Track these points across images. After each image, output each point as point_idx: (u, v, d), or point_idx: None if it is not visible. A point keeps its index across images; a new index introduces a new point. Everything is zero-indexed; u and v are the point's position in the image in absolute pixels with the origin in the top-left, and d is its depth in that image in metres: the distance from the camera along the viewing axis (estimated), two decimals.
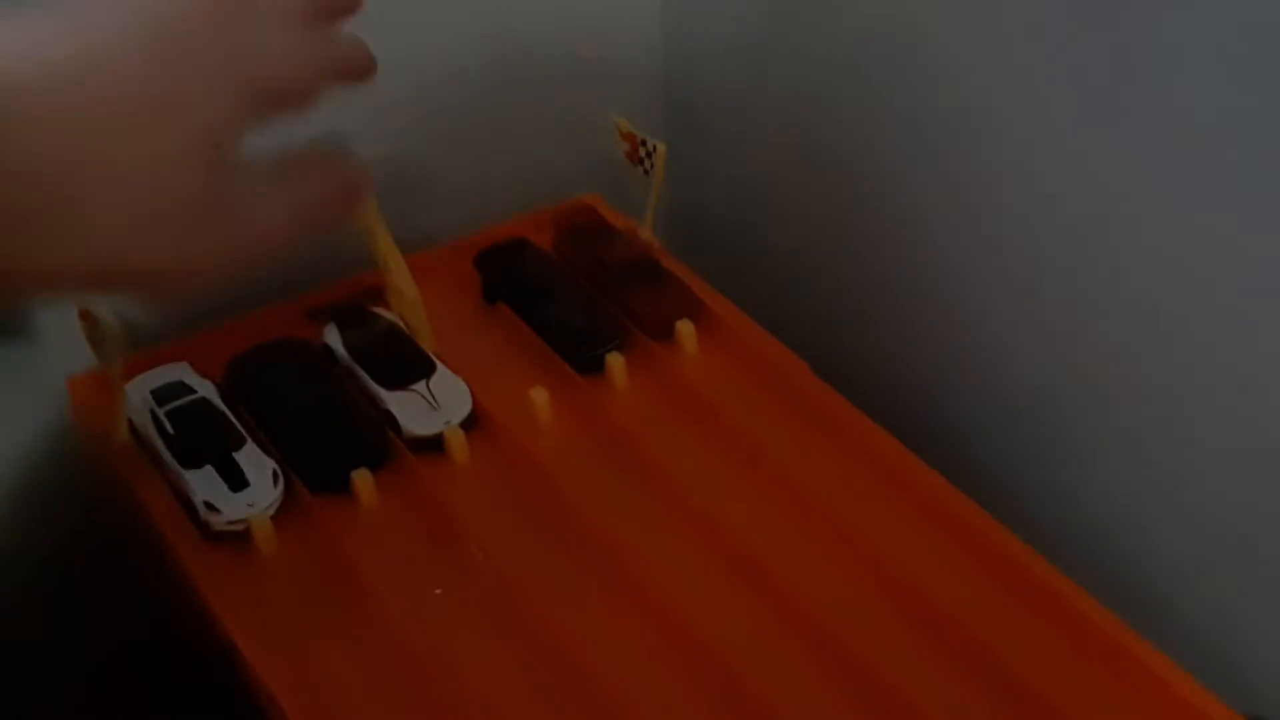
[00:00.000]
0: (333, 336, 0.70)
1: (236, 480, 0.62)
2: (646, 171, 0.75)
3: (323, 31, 0.44)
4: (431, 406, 0.67)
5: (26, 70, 0.36)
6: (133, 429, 0.65)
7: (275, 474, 0.63)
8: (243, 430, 0.64)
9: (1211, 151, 0.59)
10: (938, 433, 0.73)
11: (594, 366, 0.71)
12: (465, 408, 0.67)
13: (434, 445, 0.66)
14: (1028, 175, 0.68)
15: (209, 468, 0.62)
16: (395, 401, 0.67)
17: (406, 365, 0.68)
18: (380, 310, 0.72)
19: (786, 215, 0.85)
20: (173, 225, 0.38)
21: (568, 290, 0.74)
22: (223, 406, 0.65)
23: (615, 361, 0.70)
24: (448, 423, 0.66)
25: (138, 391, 0.65)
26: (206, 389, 0.66)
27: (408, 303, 0.70)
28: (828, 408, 0.69)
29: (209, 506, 0.61)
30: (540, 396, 0.68)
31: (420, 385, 0.68)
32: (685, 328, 0.72)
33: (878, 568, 0.61)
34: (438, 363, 0.69)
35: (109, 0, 0.38)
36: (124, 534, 0.67)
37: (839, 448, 0.67)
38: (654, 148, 0.74)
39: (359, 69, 0.46)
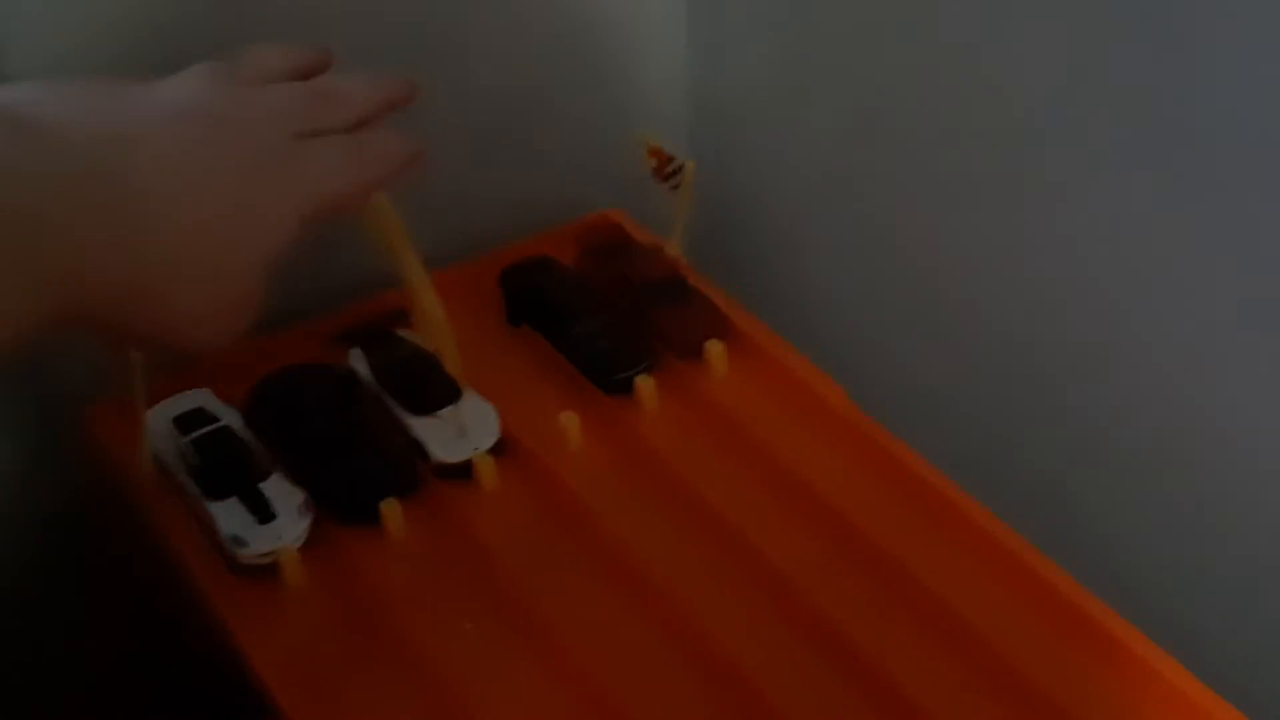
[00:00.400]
0: (359, 361, 0.69)
1: (263, 512, 0.60)
2: (674, 188, 0.74)
3: (378, 133, 0.52)
4: (460, 433, 0.65)
5: (160, 176, 0.44)
6: (156, 459, 0.63)
7: (303, 506, 0.61)
8: (268, 460, 0.63)
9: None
10: (977, 456, 0.72)
11: (623, 389, 0.70)
12: (494, 434, 0.66)
13: (462, 472, 0.65)
14: (1070, 192, 0.67)
15: (234, 499, 0.61)
16: (423, 428, 0.66)
17: (434, 390, 0.67)
18: (405, 333, 0.70)
19: (816, 232, 0.84)
20: (228, 313, 0.47)
21: (594, 310, 0.73)
22: (248, 435, 0.64)
23: (645, 384, 0.69)
24: (476, 449, 0.65)
25: (159, 420, 0.64)
26: (230, 416, 0.65)
27: (435, 325, 0.68)
28: (862, 430, 0.67)
29: (236, 540, 0.59)
30: (570, 421, 0.67)
31: (448, 411, 0.66)
32: (715, 348, 0.71)
33: (917, 595, 0.60)
34: (465, 387, 0.68)
35: (218, 120, 0.47)
36: (135, 557, 0.66)
37: (875, 472, 0.66)
38: (682, 165, 0.72)
39: (408, 164, 0.54)
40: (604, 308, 0.73)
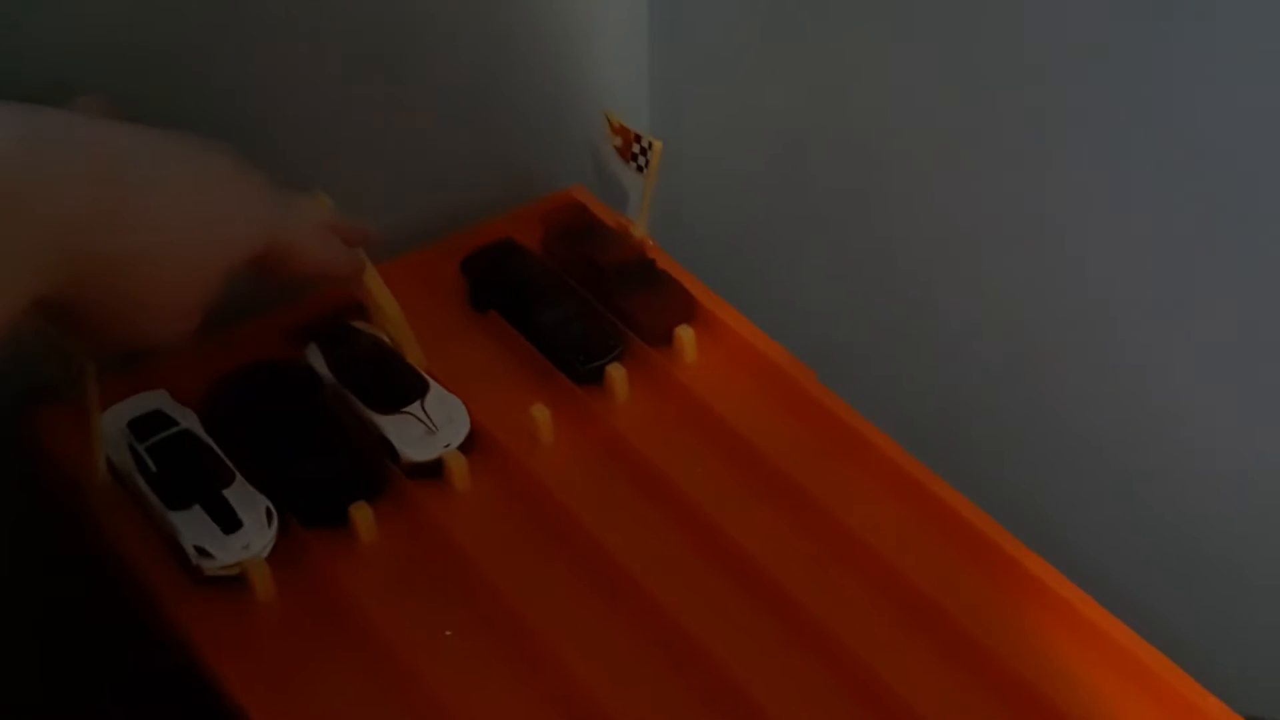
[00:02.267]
0: (315, 358, 0.66)
1: (228, 521, 0.58)
2: (640, 168, 0.72)
3: (335, 242, 0.58)
4: (429, 430, 0.63)
5: (160, 165, 0.48)
6: (111, 466, 0.61)
7: (269, 512, 0.59)
8: (231, 465, 0.60)
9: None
10: (947, 441, 0.71)
11: (593, 379, 0.68)
12: (464, 429, 0.64)
13: (432, 471, 0.63)
14: (1036, 174, 0.67)
15: (197, 508, 0.58)
16: (390, 426, 0.63)
17: (398, 385, 0.65)
18: (363, 326, 0.68)
19: (782, 209, 0.82)
20: (189, 308, 0.50)
21: (562, 296, 0.71)
22: (208, 439, 0.61)
23: (616, 373, 0.67)
24: (447, 446, 0.63)
25: (114, 424, 0.61)
26: (189, 419, 0.62)
27: (391, 319, 0.66)
28: (836, 415, 0.66)
29: (200, 551, 0.57)
30: (542, 415, 0.65)
31: (414, 406, 0.64)
32: (685, 334, 0.69)
33: (893, 581, 0.59)
34: (431, 381, 0.66)
35: (219, 152, 0.51)
36: (96, 573, 0.63)
37: (848, 457, 0.65)
38: (649, 144, 0.70)
39: (346, 275, 0.61)
40: (571, 293, 0.71)
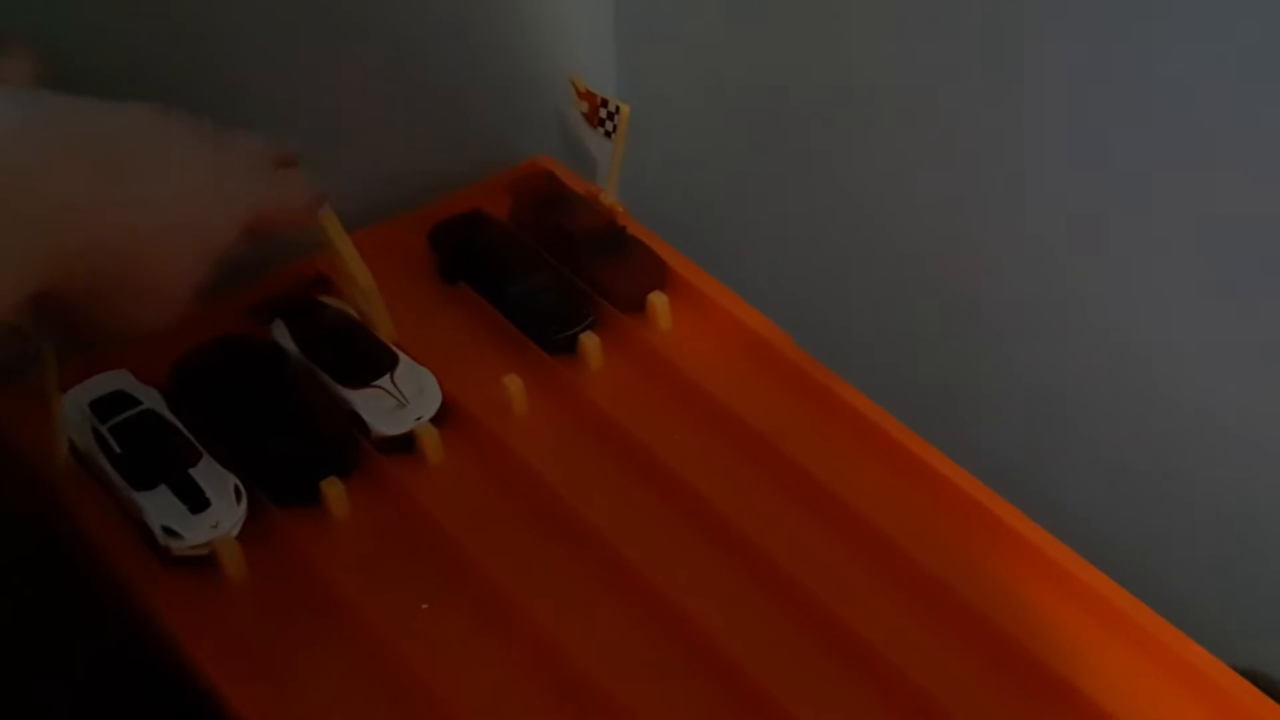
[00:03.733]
0: (281, 333, 0.65)
1: (196, 500, 0.57)
2: (608, 134, 0.71)
3: (281, 173, 0.56)
4: (399, 403, 0.62)
5: (146, 142, 0.47)
6: (73, 449, 0.59)
7: (238, 490, 0.58)
8: (197, 443, 0.59)
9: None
10: (925, 401, 0.71)
11: (566, 348, 0.67)
12: (435, 402, 0.63)
13: (404, 445, 0.62)
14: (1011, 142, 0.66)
15: (163, 488, 0.57)
16: (359, 400, 0.62)
17: (367, 359, 0.64)
18: (328, 299, 0.66)
19: (749, 174, 0.81)
20: (175, 305, 0.49)
21: (532, 266, 0.70)
22: (172, 418, 0.60)
23: (590, 342, 0.66)
24: (418, 419, 0.62)
25: (75, 405, 0.59)
26: (152, 398, 0.61)
27: (363, 290, 0.65)
28: (813, 378, 0.66)
29: (168, 532, 0.56)
30: (514, 385, 0.64)
31: (384, 380, 0.63)
32: (658, 300, 0.69)
33: (873, 540, 0.59)
34: (400, 354, 0.64)
35: (193, 123, 0.49)
36: (66, 562, 0.62)
37: (825, 419, 0.65)
38: (616, 109, 0.69)
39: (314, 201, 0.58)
40: (542, 262, 0.70)
